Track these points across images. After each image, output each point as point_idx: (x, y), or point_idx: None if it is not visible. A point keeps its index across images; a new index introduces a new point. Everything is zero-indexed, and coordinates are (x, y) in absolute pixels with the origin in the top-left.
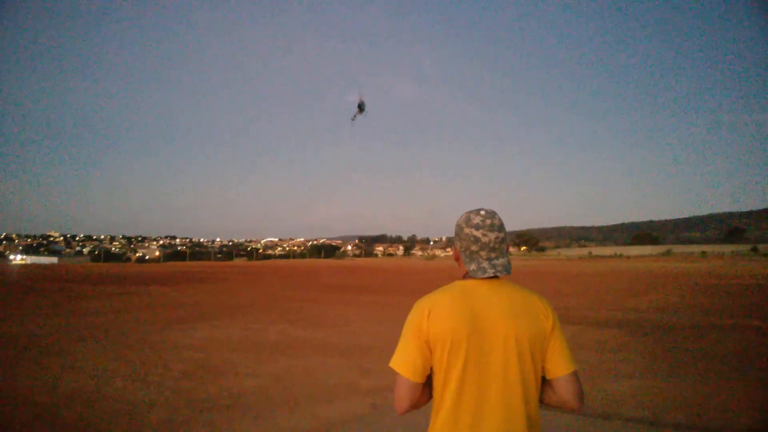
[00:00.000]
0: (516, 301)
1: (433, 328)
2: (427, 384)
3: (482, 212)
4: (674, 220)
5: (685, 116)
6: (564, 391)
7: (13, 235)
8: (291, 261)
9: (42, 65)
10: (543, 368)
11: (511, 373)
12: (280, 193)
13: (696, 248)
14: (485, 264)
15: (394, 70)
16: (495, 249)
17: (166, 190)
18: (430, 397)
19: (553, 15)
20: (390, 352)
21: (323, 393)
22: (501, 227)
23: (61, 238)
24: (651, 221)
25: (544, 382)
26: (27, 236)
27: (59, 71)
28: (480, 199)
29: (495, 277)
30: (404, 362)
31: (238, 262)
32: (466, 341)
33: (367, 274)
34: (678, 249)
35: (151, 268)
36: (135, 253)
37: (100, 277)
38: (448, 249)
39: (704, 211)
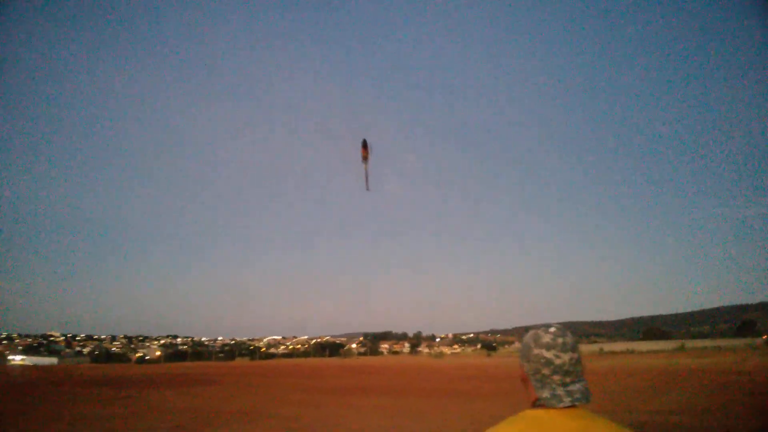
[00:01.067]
0: None
1: None
2: None
3: (552, 329)
4: (684, 313)
5: (691, 207)
6: None
7: (14, 335)
8: (294, 360)
9: (40, 164)
10: None
11: None
12: (282, 289)
13: (709, 342)
14: (560, 391)
15: (385, 166)
16: (570, 372)
17: (167, 287)
18: None
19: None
20: None
21: None
22: (575, 346)
23: (62, 337)
24: (660, 315)
25: None
26: (27, 336)
27: (57, 168)
28: (482, 292)
29: (572, 406)
30: None
31: (240, 362)
32: None
33: (373, 374)
34: (690, 343)
35: (152, 370)
36: (135, 353)
37: (99, 379)
38: (455, 346)
39: (714, 304)
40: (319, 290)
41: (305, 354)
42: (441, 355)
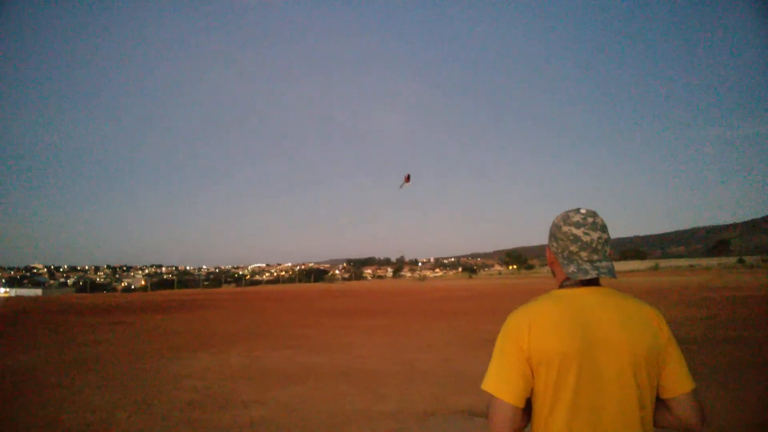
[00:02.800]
0: (628, 310)
1: (537, 345)
2: (524, 409)
3: (583, 210)
4: (659, 234)
5: (668, 131)
6: (683, 411)
7: None
8: (280, 286)
9: (22, 100)
10: (658, 386)
11: (628, 395)
12: (265, 218)
13: (683, 262)
14: (587, 266)
15: (381, 100)
16: (597, 250)
17: (150, 218)
18: (527, 424)
19: (538, 37)
20: (400, 376)
21: (339, 421)
22: (604, 227)
23: (45, 269)
24: (637, 236)
25: (658, 401)
26: (10, 268)
27: (38, 106)
28: (466, 218)
29: (596, 284)
30: (502, 384)
31: (227, 288)
32: (577, 359)
33: (360, 297)
34: (665, 263)
35: (139, 297)
36: (120, 283)
37: (87, 307)
38: (438, 269)
39: (688, 225)
40: (302, 218)
41: (290, 280)
42: (424, 278)
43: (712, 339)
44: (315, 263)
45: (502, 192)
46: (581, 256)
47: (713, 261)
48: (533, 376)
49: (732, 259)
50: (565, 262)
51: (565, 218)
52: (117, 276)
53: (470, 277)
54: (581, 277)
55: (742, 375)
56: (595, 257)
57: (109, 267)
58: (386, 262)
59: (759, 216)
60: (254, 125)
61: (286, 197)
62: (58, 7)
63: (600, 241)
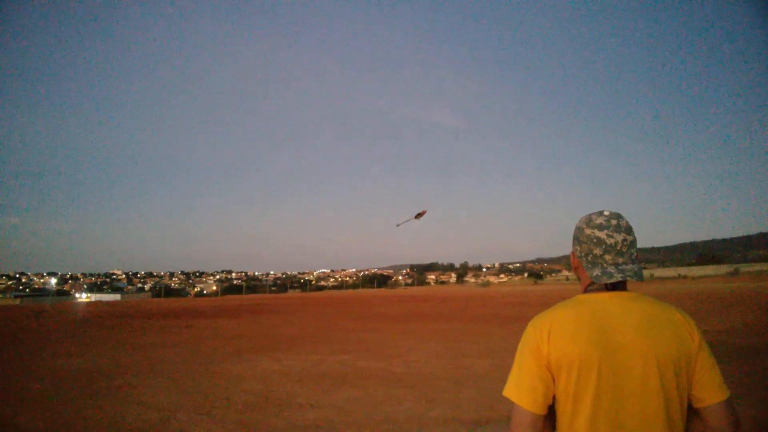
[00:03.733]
0: (654, 316)
1: (556, 351)
2: (548, 416)
3: (606, 213)
4: (739, 237)
5: (744, 130)
6: (717, 421)
7: (78, 274)
8: (344, 291)
9: (95, 109)
10: (689, 395)
11: (652, 402)
12: (331, 224)
13: (765, 266)
14: (611, 269)
15: (436, 102)
16: (623, 253)
17: (221, 226)
18: (552, 430)
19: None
20: (453, 381)
21: (391, 426)
22: (629, 229)
23: (124, 275)
24: (714, 239)
25: (690, 411)
26: (91, 275)
27: (113, 112)
28: (532, 223)
29: (622, 289)
30: (523, 390)
31: (293, 293)
32: (597, 365)
33: (422, 302)
34: (745, 268)
35: (210, 302)
36: (193, 288)
37: (162, 311)
38: (502, 275)
39: None
40: (366, 224)
41: (354, 285)
42: (488, 283)
43: None
44: (378, 269)
45: (569, 196)
46: (606, 259)
47: None
48: (554, 382)
49: None
50: (589, 265)
51: (588, 221)
52: (190, 281)
53: (536, 282)
54: (606, 280)
55: None
56: (620, 260)
57: (183, 273)
58: (450, 267)
59: None
60: (327, 129)
61: (350, 203)
62: (49, 14)
63: (625, 243)
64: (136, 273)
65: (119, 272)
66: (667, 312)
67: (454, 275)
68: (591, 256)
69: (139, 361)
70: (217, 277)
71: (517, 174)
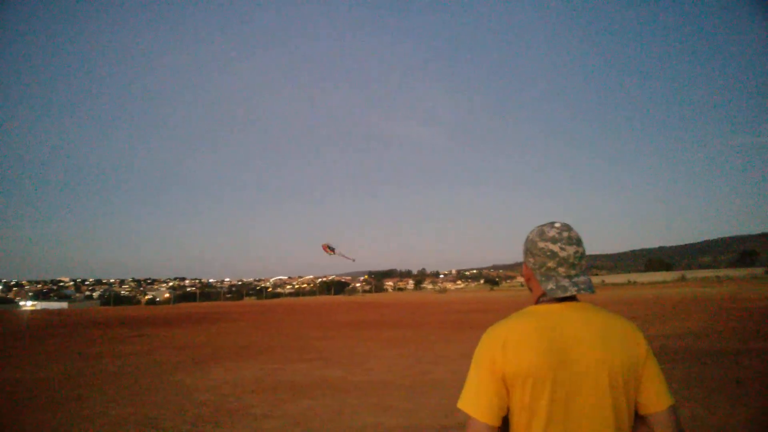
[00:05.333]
0: (604, 326)
1: (510, 363)
2: (502, 427)
3: (557, 224)
4: (685, 245)
5: (693, 140)
6: (662, 428)
7: (24, 281)
8: (301, 299)
9: (40, 110)
10: (636, 403)
11: (604, 412)
12: (287, 231)
13: (710, 272)
14: (565, 282)
15: (395, 112)
16: (575, 265)
17: (174, 232)
18: None
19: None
20: (411, 388)
21: None
22: (579, 241)
23: (71, 282)
24: (662, 247)
25: (637, 418)
26: (37, 282)
27: (60, 118)
28: (489, 230)
29: (572, 299)
30: (477, 402)
31: (248, 301)
32: (550, 376)
33: (380, 309)
34: (691, 274)
35: (162, 310)
36: (145, 296)
37: (111, 320)
38: (459, 281)
39: (715, 234)
40: (324, 231)
41: (311, 293)
42: (445, 290)
43: (728, 352)
44: (336, 275)
45: (525, 203)
46: (559, 272)
47: (741, 272)
48: (508, 394)
49: (760, 270)
50: (543, 278)
51: (541, 233)
52: (141, 289)
53: (492, 288)
54: (560, 294)
55: (753, 391)
56: (573, 272)
57: (133, 280)
58: (407, 274)
59: None
60: (279, 135)
61: (307, 209)
62: (38, 24)
63: (577, 255)
64: (84, 280)
65: (66, 279)
66: (615, 322)
67: (411, 282)
68: (545, 269)
69: (88, 372)
70: (170, 284)
71: (475, 182)
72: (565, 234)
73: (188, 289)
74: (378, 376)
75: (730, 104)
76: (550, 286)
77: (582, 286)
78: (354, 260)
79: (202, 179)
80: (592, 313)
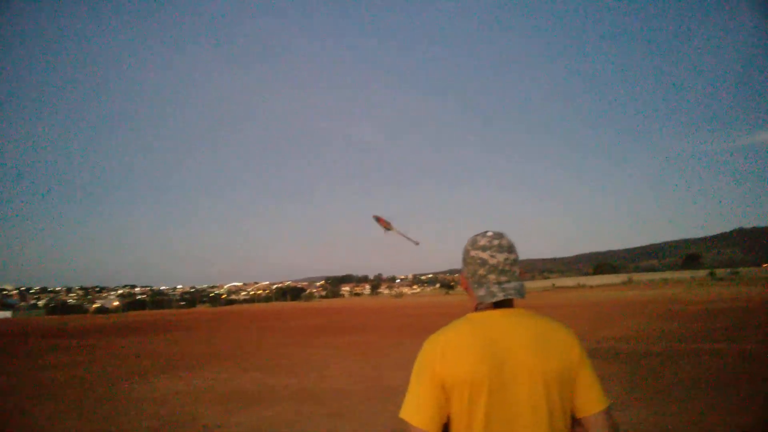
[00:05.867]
0: (539, 331)
1: (449, 371)
2: None
3: (489, 233)
4: (633, 248)
5: (640, 148)
6: (596, 430)
7: None
8: (256, 305)
9: None
10: (572, 406)
11: (540, 416)
12: (241, 237)
13: (656, 275)
14: (494, 288)
15: (352, 115)
16: (505, 271)
17: (123, 238)
18: None
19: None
20: (366, 395)
21: None
22: (511, 248)
23: (15, 291)
24: (610, 251)
25: (574, 421)
26: None
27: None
28: (444, 233)
29: (509, 305)
30: (417, 411)
31: (202, 308)
32: (488, 382)
33: (336, 315)
34: (638, 277)
35: (111, 319)
36: (93, 304)
37: (57, 330)
38: (415, 286)
39: (661, 239)
40: (279, 236)
41: (267, 299)
42: (401, 295)
43: (673, 353)
44: (292, 281)
45: (478, 208)
46: (489, 279)
47: (685, 274)
48: (448, 401)
49: (703, 273)
50: (476, 285)
51: (473, 242)
52: (89, 297)
53: (447, 292)
54: (490, 299)
55: (697, 392)
56: (503, 279)
57: (81, 288)
58: (364, 279)
59: (728, 230)
60: (229, 140)
61: (262, 214)
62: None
63: (507, 262)
64: (29, 288)
65: (10, 287)
66: (550, 327)
67: (368, 287)
68: (477, 276)
69: (36, 386)
70: (120, 292)
71: (430, 185)
72: (496, 242)
73: (139, 297)
74: (334, 383)
75: (680, 113)
76: (481, 292)
77: (511, 292)
78: (418, 243)
79: (151, 184)
80: (527, 319)
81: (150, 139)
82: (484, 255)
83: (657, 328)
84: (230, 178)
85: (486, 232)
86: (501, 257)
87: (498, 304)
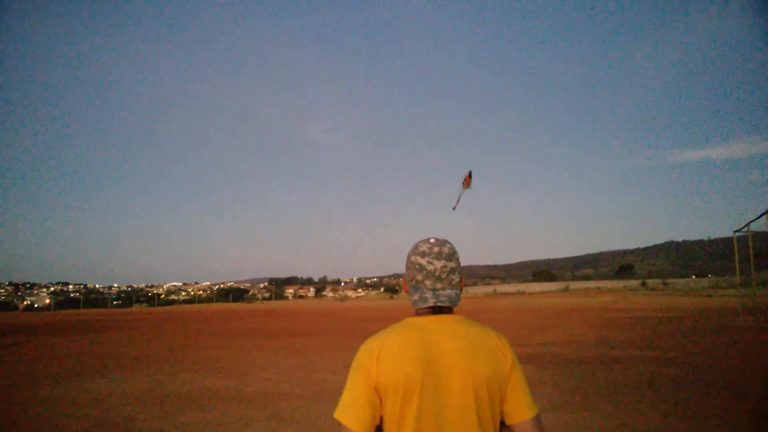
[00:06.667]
0: (472, 338)
1: (383, 373)
2: None
3: (432, 240)
4: (570, 257)
5: (577, 160)
6: None
7: None
8: (196, 306)
9: None
10: (502, 412)
11: (469, 420)
12: (181, 235)
13: (591, 284)
14: (428, 294)
15: (306, 116)
16: (441, 279)
17: (56, 233)
18: None
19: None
20: (307, 398)
21: None
22: (450, 256)
23: None
24: (549, 259)
25: (503, 427)
26: None
27: None
28: (385, 239)
29: (447, 312)
30: (351, 413)
31: (138, 308)
32: (420, 386)
33: (279, 317)
34: (575, 285)
35: (41, 317)
36: (23, 301)
37: None
38: (360, 290)
39: (596, 249)
40: (222, 236)
41: (208, 300)
42: (345, 298)
43: (606, 359)
44: (235, 282)
45: (423, 212)
46: (426, 284)
47: (619, 283)
48: (381, 404)
49: (636, 282)
50: (412, 290)
51: (415, 248)
52: (19, 294)
53: (392, 297)
54: (421, 305)
55: (627, 395)
56: (439, 285)
57: (10, 284)
58: (308, 281)
59: (659, 243)
60: (169, 134)
61: (204, 213)
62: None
63: (444, 270)
64: None
65: None
66: (484, 334)
67: (312, 289)
68: (414, 281)
69: None
70: (51, 289)
71: (376, 188)
72: (436, 249)
73: (72, 295)
74: (274, 386)
75: (613, 125)
76: (415, 297)
77: (443, 299)
78: (454, 209)
79: (85, 175)
80: (462, 326)
81: (84, 130)
82: (423, 261)
83: (592, 334)
84: (172, 175)
85: (429, 238)
86: (439, 264)
87: (436, 310)
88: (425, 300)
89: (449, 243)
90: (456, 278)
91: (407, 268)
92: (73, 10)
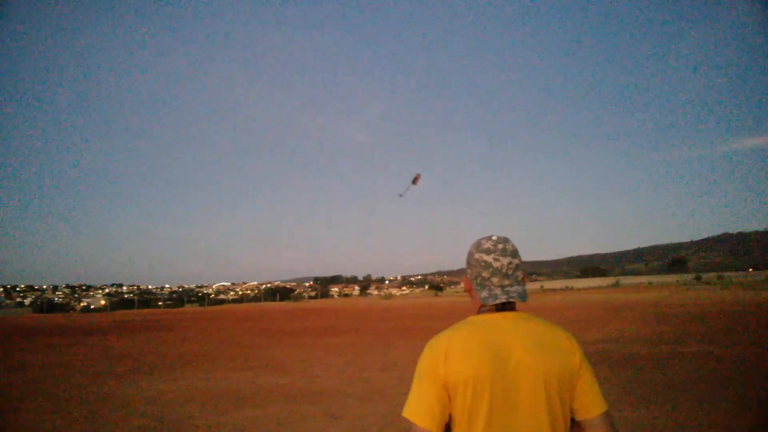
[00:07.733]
0: (540, 335)
1: (451, 372)
2: None
3: (494, 237)
4: (619, 252)
5: (627, 153)
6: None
7: None
8: (245, 305)
9: None
10: (572, 409)
11: (540, 417)
12: (231, 236)
13: (642, 279)
14: (497, 291)
15: (344, 117)
16: (508, 275)
17: (110, 236)
18: None
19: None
20: (356, 396)
21: None
22: (515, 253)
23: (1, 289)
24: (597, 254)
25: (573, 424)
26: None
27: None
28: (434, 235)
29: (511, 309)
30: (420, 411)
31: (190, 308)
32: (489, 384)
33: (325, 316)
34: (625, 280)
35: (98, 318)
36: (80, 303)
37: (45, 328)
38: (404, 287)
39: (647, 242)
40: (269, 237)
41: (256, 299)
42: (390, 296)
43: (661, 355)
44: (281, 282)
45: (468, 212)
46: (493, 281)
47: (671, 278)
48: (450, 402)
49: (689, 276)
50: (478, 288)
51: (477, 246)
52: (76, 296)
53: (436, 294)
54: (492, 302)
55: (686, 393)
56: (506, 282)
57: (68, 286)
58: (353, 280)
59: (714, 235)
60: (219, 139)
61: (252, 215)
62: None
63: (510, 266)
64: (15, 286)
65: None
66: (551, 331)
67: (357, 288)
68: (480, 278)
69: (21, 384)
70: (106, 290)
71: (419, 189)
72: (500, 246)
73: (126, 296)
74: (325, 384)
75: (663, 120)
76: (484, 294)
77: (513, 295)
78: (401, 195)
79: (140, 183)
80: (529, 322)
81: (137, 136)
82: (488, 258)
83: (646, 331)
84: (220, 177)
85: (491, 236)
86: (505, 261)
87: (500, 307)
88: (495, 297)
89: (510, 240)
90: (521, 274)
91: (470, 266)
92: (73, 10)
